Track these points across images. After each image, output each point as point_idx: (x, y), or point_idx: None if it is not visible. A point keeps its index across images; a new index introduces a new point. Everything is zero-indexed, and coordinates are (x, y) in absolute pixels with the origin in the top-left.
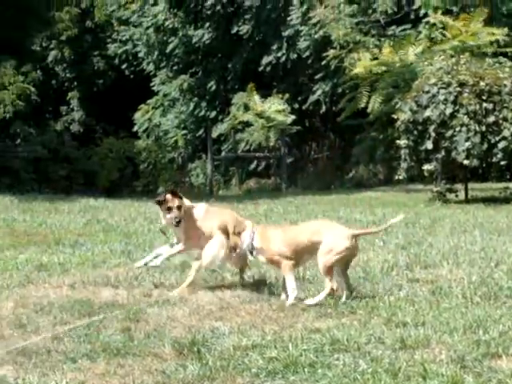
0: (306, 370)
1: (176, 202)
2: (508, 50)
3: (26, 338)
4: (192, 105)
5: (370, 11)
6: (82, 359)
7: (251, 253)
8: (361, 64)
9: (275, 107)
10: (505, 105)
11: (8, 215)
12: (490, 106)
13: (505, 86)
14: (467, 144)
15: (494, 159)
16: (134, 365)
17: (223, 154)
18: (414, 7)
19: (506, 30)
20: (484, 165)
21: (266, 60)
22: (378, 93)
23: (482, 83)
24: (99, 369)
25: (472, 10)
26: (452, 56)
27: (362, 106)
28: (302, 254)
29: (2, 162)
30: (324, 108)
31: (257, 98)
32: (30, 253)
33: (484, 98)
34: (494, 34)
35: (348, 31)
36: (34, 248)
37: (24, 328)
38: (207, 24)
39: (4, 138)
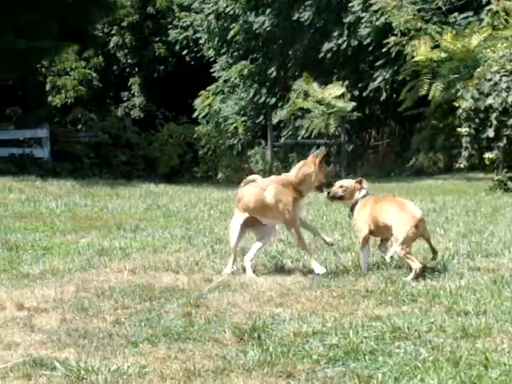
0: (366, 357)
1: None
2: None
3: (88, 322)
4: (252, 91)
5: None
6: (143, 343)
7: None
8: (421, 51)
9: (335, 94)
10: None
11: (69, 200)
12: None
13: None
14: None
15: None
16: (194, 350)
17: (282, 140)
18: None
19: None
20: None
21: (326, 47)
22: (440, 80)
23: None
24: (160, 353)
25: None
26: None
27: (423, 93)
28: None
29: (63, 147)
30: (384, 95)
31: (314, 85)
32: (91, 237)
33: None
34: None
35: (409, 18)
36: (95, 232)
37: (86, 312)
38: (268, 10)
39: (66, 124)
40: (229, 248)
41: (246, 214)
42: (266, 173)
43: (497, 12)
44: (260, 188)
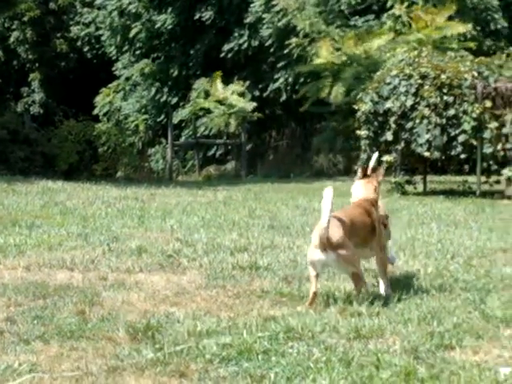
0: (259, 357)
1: None
2: (471, 44)
3: None
4: (153, 90)
5: (334, 1)
6: (35, 341)
7: None
8: (323, 54)
9: (236, 94)
10: (465, 98)
11: None
12: (451, 99)
13: (465, 79)
14: (427, 136)
15: (454, 152)
16: (87, 348)
17: (183, 139)
18: None
19: (470, 25)
20: (443, 158)
21: (227, 47)
22: (341, 83)
23: (443, 76)
24: (52, 351)
25: (438, 3)
26: (415, 48)
27: (324, 95)
28: None
29: None
30: (285, 96)
31: (219, 85)
32: None
33: (445, 90)
34: (458, 29)
35: (312, 21)
36: None
37: None
38: (170, 9)
39: None
40: None
41: None
42: (166, 171)
43: (399, 16)
44: None
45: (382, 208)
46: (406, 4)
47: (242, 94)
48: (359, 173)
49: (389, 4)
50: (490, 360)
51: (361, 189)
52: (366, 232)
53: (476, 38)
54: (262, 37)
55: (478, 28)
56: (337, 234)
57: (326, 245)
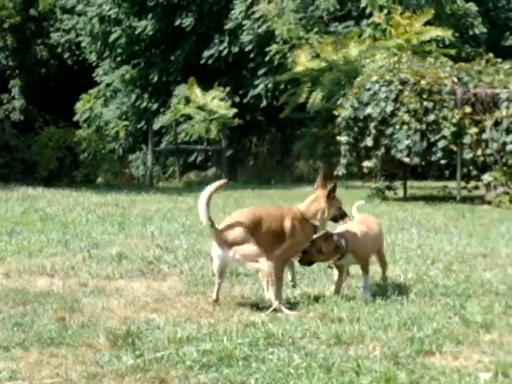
0: (240, 363)
1: None
2: (452, 51)
3: None
4: (134, 96)
5: (314, 7)
6: (14, 348)
7: None
8: (301, 61)
9: (217, 100)
10: (445, 104)
11: None
12: (431, 105)
13: (445, 85)
14: (407, 142)
15: (434, 158)
16: (67, 355)
17: (163, 145)
18: (361, 5)
19: (450, 32)
20: (423, 163)
21: (207, 53)
22: (320, 89)
23: (422, 82)
24: (32, 358)
25: (417, 9)
26: (395, 54)
27: (302, 101)
28: None
29: None
30: (265, 102)
31: (197, 91)
32: None
33: (425, 96)
34: (437, 33)
35: (291, 27)
36: None
37: None
38: (150, 15)
39: None
40: None
41: None
42: (147, 178)
43: (379, 24)
44: None
45: (374, 227)
46: (385, 11)
47: (222, 100)
48: (316, 183)
49: (368, 11)
50: (470, 365)
51: (306, 200)
52: (270, 238)
53: (455, 44)
54: (242, 43)
55: (457, 34)
56: (234, 231)
57: (222, 242)
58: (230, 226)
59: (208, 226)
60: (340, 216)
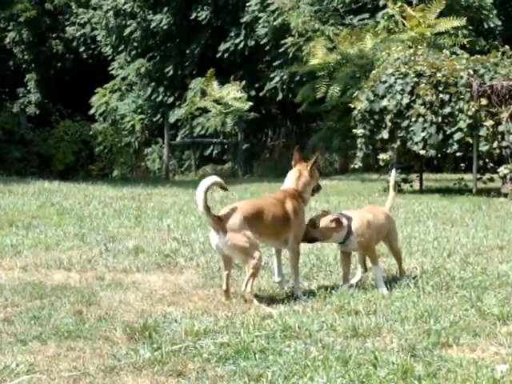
0: (256, 355)
1: None
2: (465, 40)
3: None
4: (149, 89)
5: (329, 0)
6: (32, 341)
7: None
8: (318, 55)
9: (233, 94)
10: (461, 96)
11: None
12: (446, 97)
13: (461, 77)
14: (423, 134)
15: (449, 150)
16: (84, 348)
17: (179, 138)
18: None
19: (464, 20)
20: (439, 156)
21: (223, 46)
22: (336, 83)
23: (438, 74)
24: (50, 351)
25: (429, 1)
26: (410, 47)
27: (320, 96)
28: None
29: None
30: (281, 95)
31: (215, 84)
32: None
33: (440, 88)
34: (451, 24)
35: (306, 19)
36: None
37: None
38: (166, 9)
39: None
40: None
41: None
42: (163, 171)
43: (392, 16)
44: None
45: (380, 217)
46: (398, 4)
47: (238, 93)
48: (293, 159)
49: (381, 3)
50: (487, 357)
51: (288, 177)
52: (277, 224)
53: (469, 36)
54: (258, 36)
55: (471, 27)
56: (232, 218)
57: (218, 228)
58: (229, 213)
59: (205, 213)
60: (316, 188)
